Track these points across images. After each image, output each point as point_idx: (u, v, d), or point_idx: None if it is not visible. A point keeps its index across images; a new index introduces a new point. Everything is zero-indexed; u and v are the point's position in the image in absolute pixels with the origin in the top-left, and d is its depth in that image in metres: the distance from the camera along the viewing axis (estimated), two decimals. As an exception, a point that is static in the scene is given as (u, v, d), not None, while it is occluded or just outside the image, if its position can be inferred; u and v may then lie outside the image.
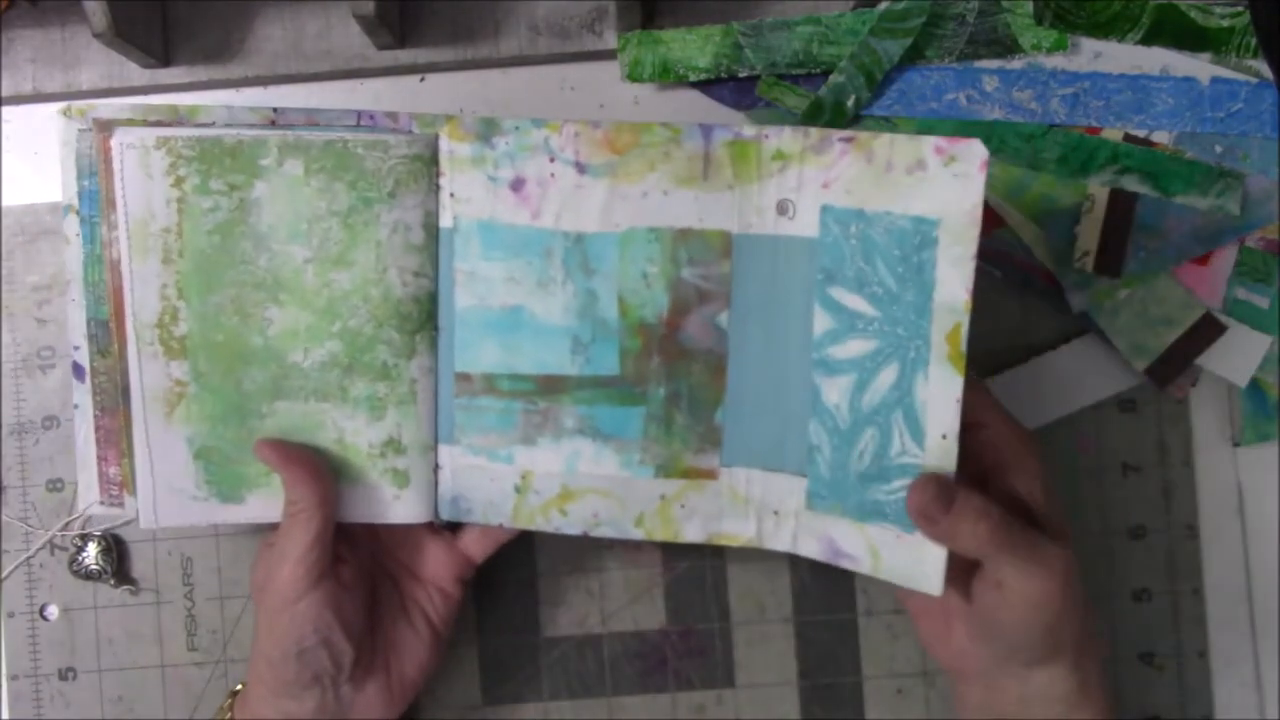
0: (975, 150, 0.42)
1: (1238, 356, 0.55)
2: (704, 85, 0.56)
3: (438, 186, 0.48)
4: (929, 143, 0.43)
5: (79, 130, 0.47)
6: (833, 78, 0.54)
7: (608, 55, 0.55)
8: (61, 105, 0.48)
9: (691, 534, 0.49)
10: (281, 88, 0.56)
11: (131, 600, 0.55)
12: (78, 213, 0.48)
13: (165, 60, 0.55)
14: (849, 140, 0.44)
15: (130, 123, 0.47)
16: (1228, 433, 0.56)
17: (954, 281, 0.43)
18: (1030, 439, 0.47)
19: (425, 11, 0.55)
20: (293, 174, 0.47)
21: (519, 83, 0.56)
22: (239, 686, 0.52)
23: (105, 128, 0.47)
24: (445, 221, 0.48)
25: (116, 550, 0.55)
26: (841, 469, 0.46)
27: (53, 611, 0.55)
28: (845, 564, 0.47)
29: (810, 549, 0.48)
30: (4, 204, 0.56)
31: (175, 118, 0.47)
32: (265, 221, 0.47)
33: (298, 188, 0.47)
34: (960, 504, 0.43)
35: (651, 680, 0.55)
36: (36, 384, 0.56)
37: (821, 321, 0.46)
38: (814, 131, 0.45)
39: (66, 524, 0.55)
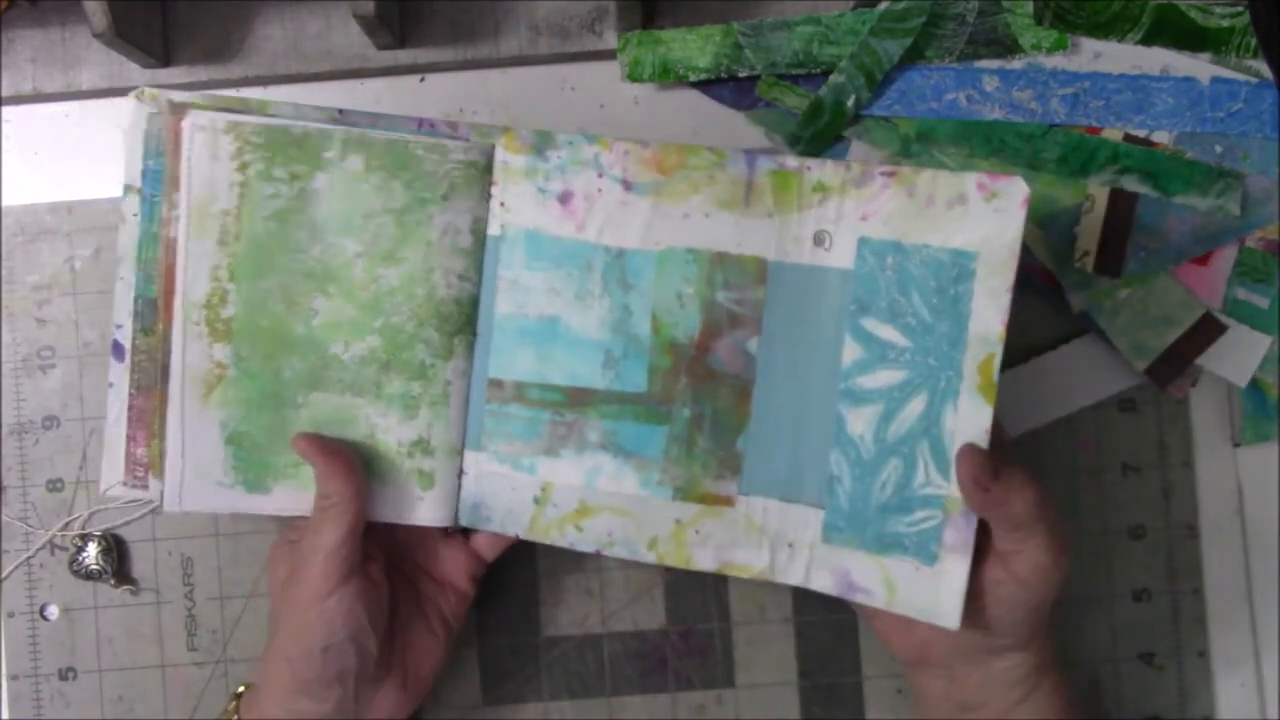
0: (1017, 187, 0.44)
1: (1238, 356, 0.55)
2: (704, 85, 0.56)
3: (490, 195, 0.48)
4: (971, 179, 0.44)
5: (149, 114, 0.48)
6: (833, 78, 0.54)
7: (608, 55, 0.55)
8: (135, 89, 0.48)
9: (703, 561, 0.48)
10: (281, 88, 0.56)
11: (131, 600, 0.55)
12: (139, 192, 0.49)
13: (165, 60, 0.55)
14: (890, 174, 0.45)
15: (200, 108, 0.48)
16: (1228, 433, 0.56)
17: (990, 313, 0.44)
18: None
19: (425, 11, 0.55)
20: (353, 169, 0.48)
21: (519, 83, 0.56)
22: (241, 689, 0.51)
23: (178, 110, 0.48)
24: (493, 230, 0.48)
25: (116, 550, 0.55)
26: (861, 500, 0.46)
27: (53, 611, 0.55)
28: (859, 598, 0.47)
29: (824, 583, 0.48)
30: (4, 204, 0.56)
31: (244, 108, 0.48)
32: (322, 213, 0.48)
33: (357, 182, 0.48)
34: (1006, 473, 0.44)
35: (651, 680, 0.55)
36: (36, 384, 0.56)
37: (851, 352, 0.46)
38: (855, 165, 0.46)
39: (66, 524, 0.55)
